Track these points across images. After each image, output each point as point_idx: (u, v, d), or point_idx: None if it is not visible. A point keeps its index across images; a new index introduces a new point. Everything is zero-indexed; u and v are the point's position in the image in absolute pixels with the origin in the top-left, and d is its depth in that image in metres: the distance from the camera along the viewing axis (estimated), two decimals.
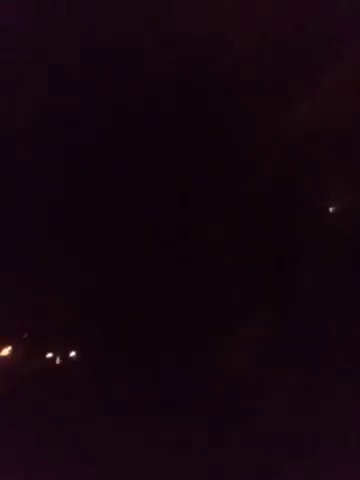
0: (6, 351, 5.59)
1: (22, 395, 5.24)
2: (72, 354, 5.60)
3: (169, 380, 5.18)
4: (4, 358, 5.58)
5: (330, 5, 5.33)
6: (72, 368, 5.54)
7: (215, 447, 4.99)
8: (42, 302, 5.43)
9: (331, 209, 5.69)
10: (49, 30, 5.22)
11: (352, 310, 5.27)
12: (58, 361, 5.62)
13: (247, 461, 4.91)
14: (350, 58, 5.40)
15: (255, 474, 4.88)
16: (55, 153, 5.33)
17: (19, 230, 5.38)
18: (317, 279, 5.42)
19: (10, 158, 5.33)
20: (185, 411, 5.05)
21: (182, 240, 5.42)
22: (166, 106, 5.32)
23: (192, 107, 5.37)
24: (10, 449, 4.89)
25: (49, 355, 5.64)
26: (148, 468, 4.89)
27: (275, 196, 5.51)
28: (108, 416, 5.08)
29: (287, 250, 5.46)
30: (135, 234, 5.42)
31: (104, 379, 5.24)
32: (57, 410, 5.11)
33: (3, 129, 5.28)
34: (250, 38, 5.31)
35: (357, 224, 5.51)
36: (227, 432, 5.02)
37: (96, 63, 5.32)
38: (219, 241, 5.46)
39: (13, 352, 5.60)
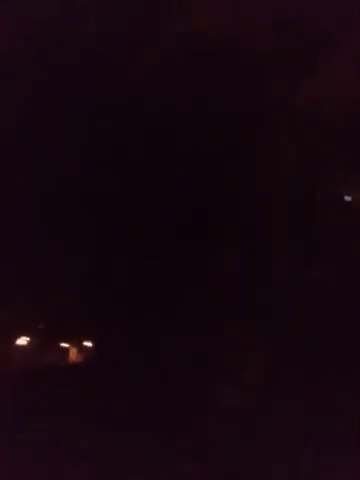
0: (23, 341, 5.62)
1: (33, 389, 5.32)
2: (87, 344, 5.65)
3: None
4: (21, 348, 5.61)
5: None
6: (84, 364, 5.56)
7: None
8: (58, 292, 5.47)
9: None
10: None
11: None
12: (74, 352, 5.66)
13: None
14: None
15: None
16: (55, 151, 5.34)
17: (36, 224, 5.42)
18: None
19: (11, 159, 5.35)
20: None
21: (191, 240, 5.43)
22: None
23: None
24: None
25: (65, 345, 5.72)
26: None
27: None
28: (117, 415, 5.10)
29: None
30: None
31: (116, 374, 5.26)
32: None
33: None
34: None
35: None
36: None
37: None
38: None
39: (29, 343, 5.65)
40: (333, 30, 5.24)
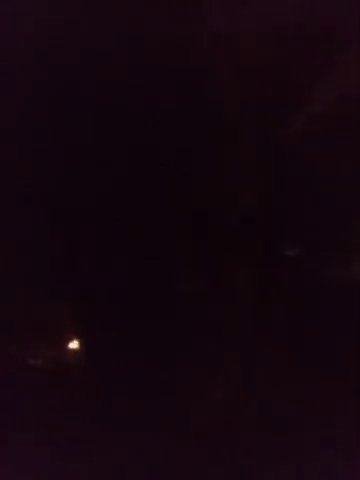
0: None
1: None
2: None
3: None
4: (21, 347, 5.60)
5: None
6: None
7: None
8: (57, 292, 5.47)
9: None
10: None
11: None
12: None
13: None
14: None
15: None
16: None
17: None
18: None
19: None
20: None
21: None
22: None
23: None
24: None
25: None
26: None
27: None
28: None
29: None
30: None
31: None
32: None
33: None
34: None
35: None
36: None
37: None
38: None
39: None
40: None
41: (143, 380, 5.20)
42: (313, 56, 5.27)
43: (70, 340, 5.55)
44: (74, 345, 5.56)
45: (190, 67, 5.23)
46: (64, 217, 5.39)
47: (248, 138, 5.35)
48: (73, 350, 5.56)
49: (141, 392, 5.16)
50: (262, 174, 5.38)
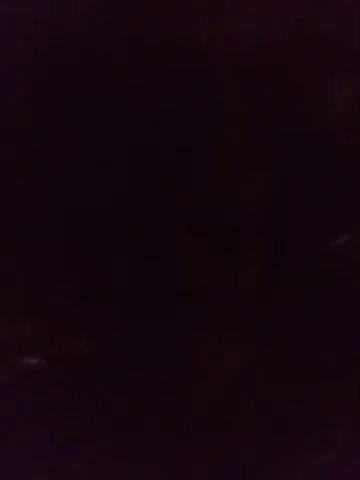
0: None
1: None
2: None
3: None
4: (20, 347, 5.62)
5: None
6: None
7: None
8: (57, 292, 5.47)
9: None
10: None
11: None
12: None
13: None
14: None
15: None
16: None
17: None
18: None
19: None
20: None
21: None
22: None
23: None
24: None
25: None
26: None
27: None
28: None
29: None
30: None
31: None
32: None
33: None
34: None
35: None
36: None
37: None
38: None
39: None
40: None
41: (143, 380, 5.20)
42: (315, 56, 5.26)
43: (69, 340, 5.55)
44: (73, 345, 5.57)
45: (190, 67, 5.22)
46: (63, 217, 5.39)
47: (249, 138, 5.34)
48: (72, 349, 5.56)
49: (141, 392, 5.17)
50: (263, 174, 5.36)
